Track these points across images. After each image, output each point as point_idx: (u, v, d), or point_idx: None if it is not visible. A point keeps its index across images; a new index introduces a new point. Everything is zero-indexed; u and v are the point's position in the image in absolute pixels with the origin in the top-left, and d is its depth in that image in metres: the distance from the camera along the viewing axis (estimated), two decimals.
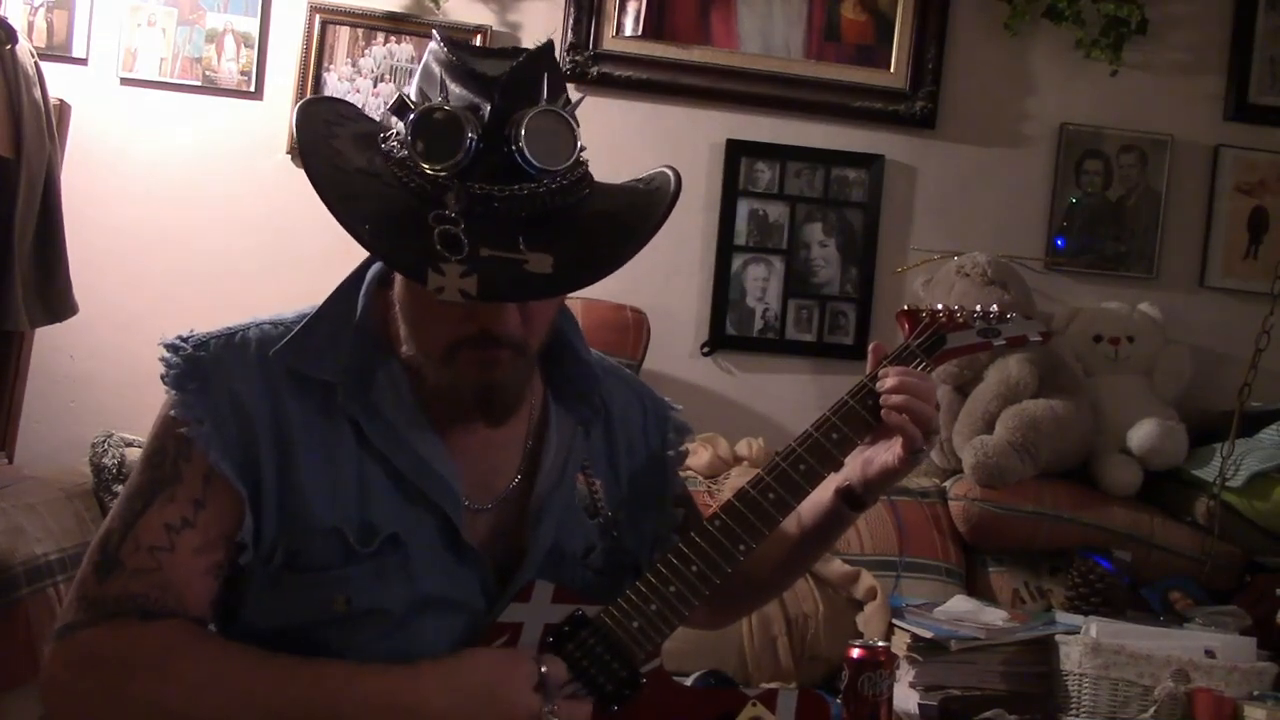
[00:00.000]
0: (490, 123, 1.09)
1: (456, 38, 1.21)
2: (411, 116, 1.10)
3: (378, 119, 1.23)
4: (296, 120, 1.18)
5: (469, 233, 1.06)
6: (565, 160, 1.12)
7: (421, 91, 1.15)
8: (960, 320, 1.42)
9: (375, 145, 1.16)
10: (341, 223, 1.08)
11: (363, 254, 1.28)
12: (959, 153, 3.03)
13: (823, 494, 1.36)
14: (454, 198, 1.08)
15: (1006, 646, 2.24)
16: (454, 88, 1.12)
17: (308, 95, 2.76)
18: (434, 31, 1.20)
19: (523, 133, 1.09)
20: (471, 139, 1.08)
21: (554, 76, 1.15)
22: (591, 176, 1.19)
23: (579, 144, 1.13)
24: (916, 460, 1.31)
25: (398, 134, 1.13)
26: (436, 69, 1.14)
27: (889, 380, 1.31)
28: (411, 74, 2.79)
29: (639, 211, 1.17)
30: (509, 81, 1.10)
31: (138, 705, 1.09)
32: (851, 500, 1.36)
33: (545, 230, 1.11)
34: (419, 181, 1.10)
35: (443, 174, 1.08)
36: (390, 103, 1.17)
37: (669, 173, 1.22)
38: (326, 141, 1.15)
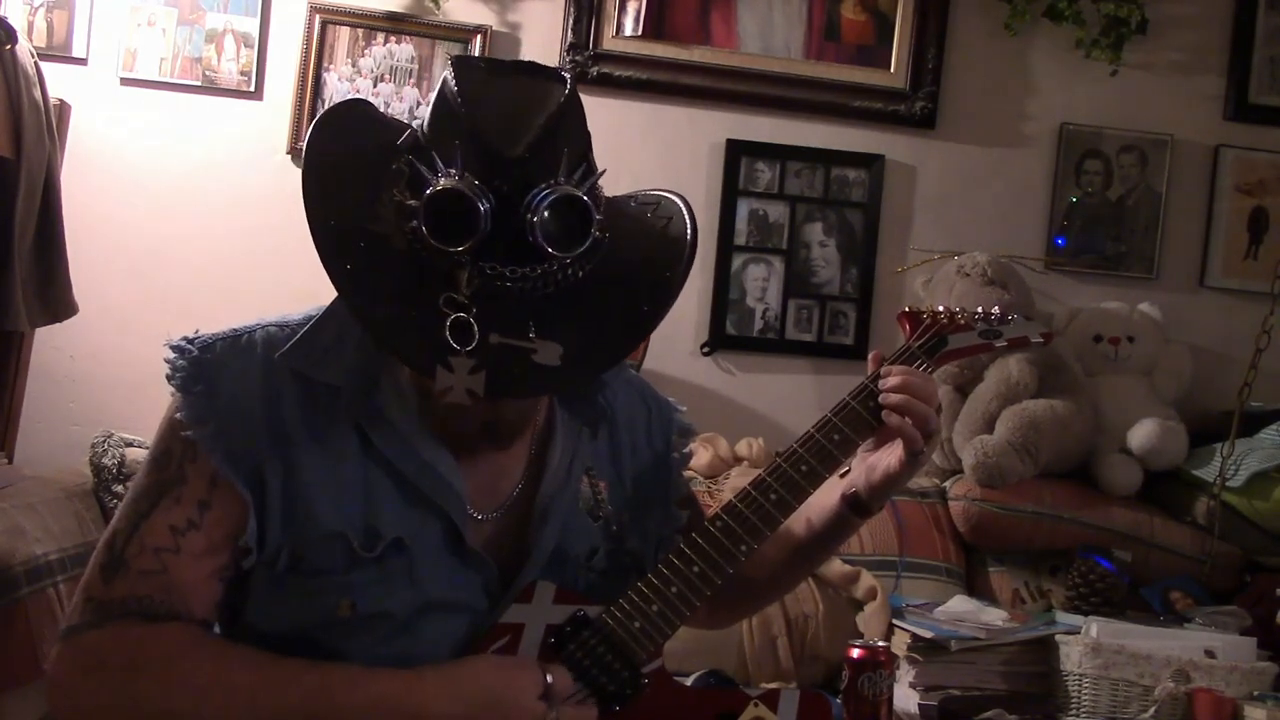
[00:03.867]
0: (506, 201, 1.07)
1: (471, 61, 1.17)
2: (425, 195, 1.06)
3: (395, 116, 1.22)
4: (305, 159, 1.14)
5: (480, 317, 1.05)
6: (581, 245, 1.10)
7: (436, 131, 1.11)
8: (961, 322, 1.42)
9: (387, 181, 1.12)
10: (350, 305, 1.07)
11: None
12: (959, 153, 3.03)
13: (828, 498, 1.36)
14: (466, 277, 1.06)
15: (1006, 646, 2.24)
16: (469, 146, 1.08)
17: (308, 96, 2.76)
18: (450, 60, 1.16)
19: (537, 219, 1.07)
20: (486, 219, 1.05)
21: (573, 132, 1.12)
22: (607, 223, 1.15)
23: (596, 225, 1.10)
24: (917, 463, 1.30)
25: (410, 180, 1.09)
26: (455, 107, 1.09)
27: (890, 379, 1.30)
28: (412, 75, 2.81)
29: (653, 275, 1.15)
30: (527, 160, 1.07)
31: (143, 707, 1.10)
32: (857, 506, 1.35)
33: (556, 311, 1.10)
34: (430, 254, 1.07)
35: (456, 253, 1.06)
36: (405, 134, 1.14)
37: (683, 211, 1.19)
38: (333, 185, 1.11)
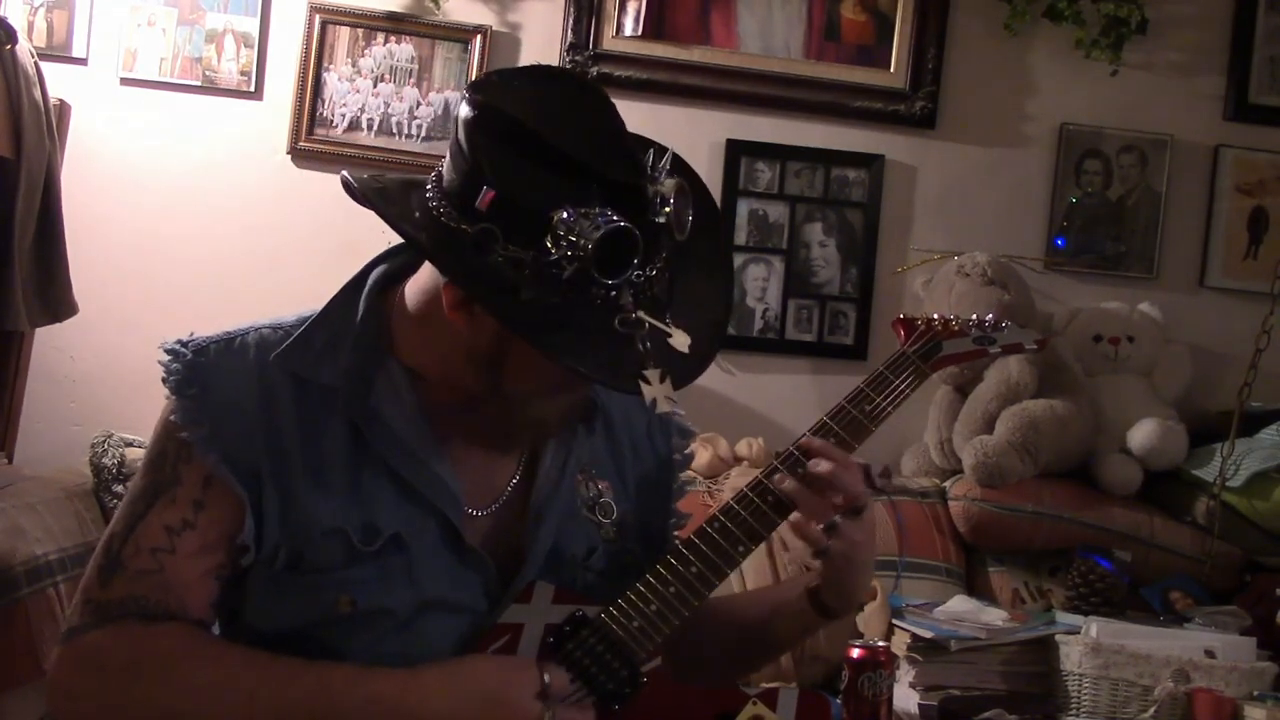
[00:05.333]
0: (634, 215, 1.07)
1: (499, 86, 1.13)
2: (594, 244, 1.04)
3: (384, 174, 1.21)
4: (429, 245, 1.11)
5: (651, 332, 1.08)
6: (690, 221, 1.13)
7: (519, 179, 1.07)
8: (956, 328, 1.42)
9: (470, 247, 1.08)
10: (572, 371, 1.08)
11: (367, 254, 1.28)
12: (959, 153, 3.02)
13: (793, 589, 1.36)
14: (631, 296, 1.08)
15: (1006, 646, 2.24)
16: (599, 185, 1.07)
17: (308, 96, 2.76)
18: (478, 93, 1.10)
19: (670, 216, 1.09)
20: (640, 243, 1.06)
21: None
22: None
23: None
24: (832, 565, 1.28)
25: (518, 232, 1.07)
26: (547, 147, 1.07)
27: (785, 483, 1.26)
28: (412, 75, 2.80)
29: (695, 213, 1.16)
30: (642, 180, 1.09)
31: (142, 708, 1.10)
32: (818, 604, 1.34)
33: (670, 295, 1.13)
34: (590, 288, 1.07)
35: (622, 281, 1.07)
36: (450, 181, 1.11)
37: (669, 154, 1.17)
38: (473, 259, 1.09)
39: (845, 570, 1.29)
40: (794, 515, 1.26)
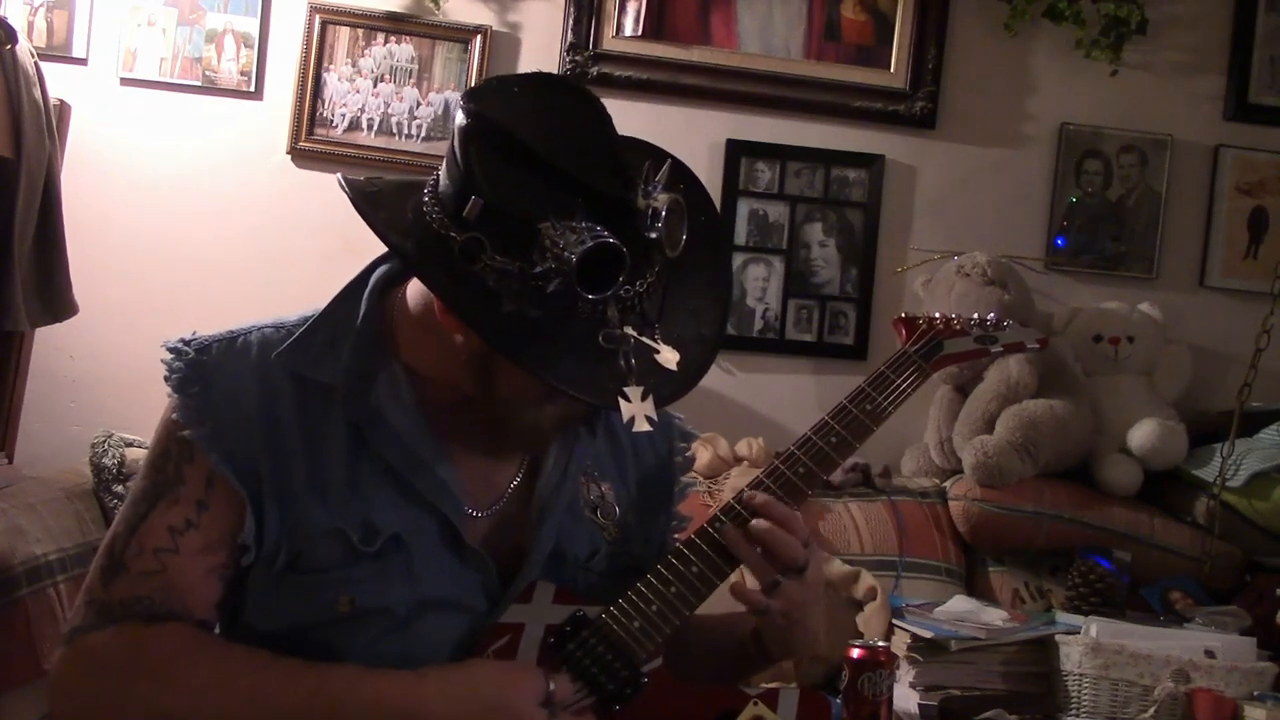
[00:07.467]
0: (621, 229, 1.07)
1: (493, 94, 1.13)
2: (574, 255, 1.03)
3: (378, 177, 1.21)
4: (433, 285, 1.10)
5: (636, 348, 1.07)
6: (684, 237, 1.12)
7: (505, 187, 1.07)
8: (957, 327, 1.42)
9: (460, 255, 1.08)
10: (549, 382, 1.06)
11: (367, 254, 1.28)
12: (959, 153, 3.02)
13: (744, 625, 1.34)
14: (617, 311, 1.07)
15: (1006, 646, 2.24)
16: (583, 197, 1.07)
17: (308, 96, 2.76)
18: (472, 103, 1.10)
19: (662, 233, 1.08)
20: (626, 255, 1.06)
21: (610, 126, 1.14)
22: None
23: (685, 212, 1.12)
24: (767, 615, 1.26)
25: (503, 243, 1.06)
26: (530, 158, 1.07)
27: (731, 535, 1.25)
28: (412, 75, 2.80)
29: (696, 225, 1.15)
30: (630, 192, 1.08)
31: (143, 709, 1.10)
32: (762, 648, 1.32)
33: (661, 308, 1.12)
34: (576, 303, 1.06)
35: (606, 295, 1.06)
36: (441, 187, 1.11)
37: (670, 163, 1.17)
38: (460, 270, 1.08)
39: (787, 628, 1.27)
40: (732, 577, 1.25)
